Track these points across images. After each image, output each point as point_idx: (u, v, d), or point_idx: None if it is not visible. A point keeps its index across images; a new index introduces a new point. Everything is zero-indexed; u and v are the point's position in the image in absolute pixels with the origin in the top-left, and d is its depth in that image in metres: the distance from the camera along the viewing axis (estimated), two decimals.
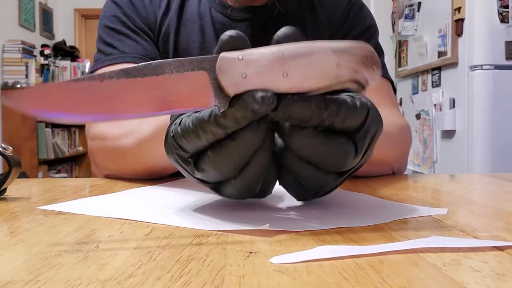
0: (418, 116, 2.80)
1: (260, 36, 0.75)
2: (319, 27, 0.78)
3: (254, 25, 0.75)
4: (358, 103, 0.34)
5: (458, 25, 2.34)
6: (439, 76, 2.59)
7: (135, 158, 0.59)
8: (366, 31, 0.80)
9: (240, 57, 0.32)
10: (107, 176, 0.65)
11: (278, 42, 0.34)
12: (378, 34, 0.83)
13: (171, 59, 0.32)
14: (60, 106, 0.32)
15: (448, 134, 2.45)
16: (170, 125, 0.36)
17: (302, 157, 0.34)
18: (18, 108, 0.33)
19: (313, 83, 0.32)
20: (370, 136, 0.35)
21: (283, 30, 0.34)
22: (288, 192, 0.39)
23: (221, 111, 0.32)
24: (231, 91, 0.32)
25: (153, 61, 0.32)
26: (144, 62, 0.79)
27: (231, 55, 0.32)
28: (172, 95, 0.32)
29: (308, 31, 0.77)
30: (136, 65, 0.32)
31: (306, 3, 0.79)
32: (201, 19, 0.76)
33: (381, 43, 0.84)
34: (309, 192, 0.37)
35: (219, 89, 0.32)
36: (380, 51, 0.78)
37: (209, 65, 0.32)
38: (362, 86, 0.34)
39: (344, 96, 0.34)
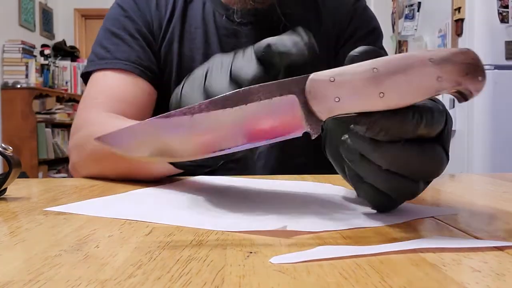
0: None
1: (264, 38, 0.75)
2: (323, 29, 0.78)
3: (258, 28, 0.75)
4: (440, 106, 0.33)
5: (458, 25, 2.34)
6: None
7: (131, 162, 0.58)
8: (371, 33, 0.80)
9: (332, 79, 0.30)
10: (86, 177, 0.63)
11: (354, 60, 0.31)
12: (382, 37, 0.83)
13: (257, 85, 0.31)
14: (153, 144, 0.31)
15: None
16: None
17: (392, 169, 0.33)
18: (112, 148, 0.33)
19: (411, 99, 0.30)
20: (450, 135, 0.35)
21: (359, 49, 0.32)
22: (371, 203, 0.37)
23: (313, 137, 0.31)
24: (324, 116, 0.30)
25: (240, 89, 0.31)
26: (136, 70, 0.79)
27: (321, 76, 0.30)
28: (263, 123, 0.31)
29: (313, 33, 0.77)
30: (224, 94, 0.31)
31: (310, 5, 0.79)
32: (205, 24, 0.75)
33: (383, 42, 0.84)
34: (392, 204, 0.36)
35: (309, 113, 0.30)
36: (385, 54, 0.78)
37: (298, 88, 0.30)
38: (465, 97, 0.31)
39: (430, 102, 0.33)
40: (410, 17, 2.88)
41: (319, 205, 0.41)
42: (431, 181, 0.36)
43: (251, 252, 0.27)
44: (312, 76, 0.30)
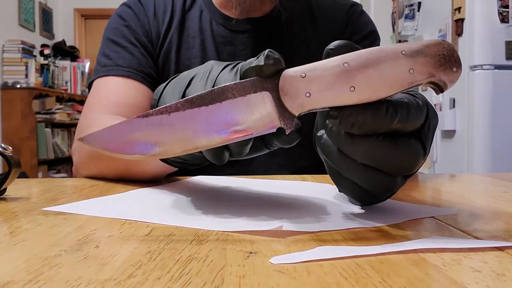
0: None
1: (262, 47, 0.75)
2: (320, 35, 0.78)
3: (255, 36, 0.76)
4: (420, 102, 0.33)
5: (458, 25, 2.34)
6: None
7: (125, 160, 0.58)
8: (368, 36, 0.80)
9: (303, 75, 0.30)
10: (87, 177, 0.64)
11: (329, 55, 0.32)
12: (379, 41, 0.83)
13: (232, 83, 0.32)
14: (133, 143, 0.32)
15: (448, 134, 2.45)
16: None
17: (368, 163, 0.33)
18: (94, 148, 0.33)
19: (384, 93, 0.30)
20: (433, 131, 0.35)
21: (335, 43, 0.33)
22: (353, 198, 0.37)
23: (287, 133, 0.32)
24: (296, 112, 0.31)
25: (215, 88, 0.32)
26: (138, 76, 0.80)
27: (293, 72, 0.31)
28: (238, 120, 0.31)
29: (309, 39, 0.78)
30: (200, 93, 0.32)
31: (306, 12, 0.79)
32: (202, 33, 0.76)
33: (381, 44, 0.84)
34: (372, 198, 0.36)
35: (283, 109, 0.31)
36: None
37: (271, 85, 0.31)
38: (440, 88, 0.31)
39: (407, 97, 0.33)
40: (410, 17, 2.88)
41: (319, 205, 0.41)
42: (409, 176, 0.36)
43: (251, 252, 0.27)
44: (285, 72, 0.31)
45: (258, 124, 0.31)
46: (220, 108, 0.31)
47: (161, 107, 0.32)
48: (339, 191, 0.37)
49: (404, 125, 0.32)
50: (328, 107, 0.31)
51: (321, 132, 0.35)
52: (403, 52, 0.30)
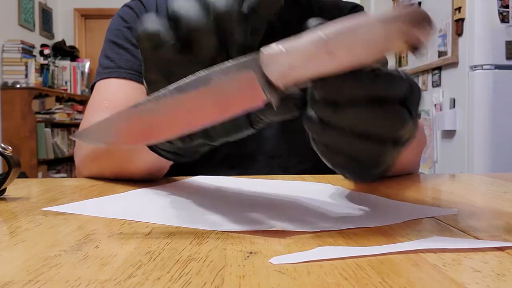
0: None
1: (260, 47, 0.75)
2: None
3: None
4: (401, 73, 0.34)
5: (458, 25, 2.34)
6: (440, 76, 2.59)
7: (119, 157, 0.59)
8: None
9: (283, 49, 0.32)
10: (88, 177, 0.65)
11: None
12: None
13: (216, 67, 0.33)
14: (124, 134, 0.33)
15: (448, 134, 2.46)
16: None
17: (356, 132, 0.33)
18: (88, 142, 0.35)
19: (363, 58, 0.31)
20: (417, 100, 0.36)
21: (313, 20, 0.34)
22: (345, 176, 0.38)
23: (275, 106, 0.33)
24: (280, 83, 0.32)
25: (201, 72, 0.33)
26: (140, 78, 0.81)
27: (274, 49, 0.32)
28: (226, 101, 0.32)
29: None
30: (186, 79, 0.33)
31: (306, 13, 0.79)
32: None
33: None
34: (367, 171, 0.36)
35: (267, 83, 0.32)
36: (385, 59, 0.79)
37: (254, 63, 0.32)
38: (415, 47, 0.32)
39: (388, 68, 0.34)
40: None
41: (319, 205, 0.41)
42: (400, 145, 0.36)
43: (251, 252, 0.27)
44: (264, 49, 0.32)
45: (246, 101, 0.32)
46: (207, 91, 0.32)
47: (150, 96, 0.33)
48: (332, 167, 0.38)
49: (386, 90, 0.33)
50: (312, 79, 0.32)
51: (308, 113, 0.36)
52: (378, 17, 0.31)
